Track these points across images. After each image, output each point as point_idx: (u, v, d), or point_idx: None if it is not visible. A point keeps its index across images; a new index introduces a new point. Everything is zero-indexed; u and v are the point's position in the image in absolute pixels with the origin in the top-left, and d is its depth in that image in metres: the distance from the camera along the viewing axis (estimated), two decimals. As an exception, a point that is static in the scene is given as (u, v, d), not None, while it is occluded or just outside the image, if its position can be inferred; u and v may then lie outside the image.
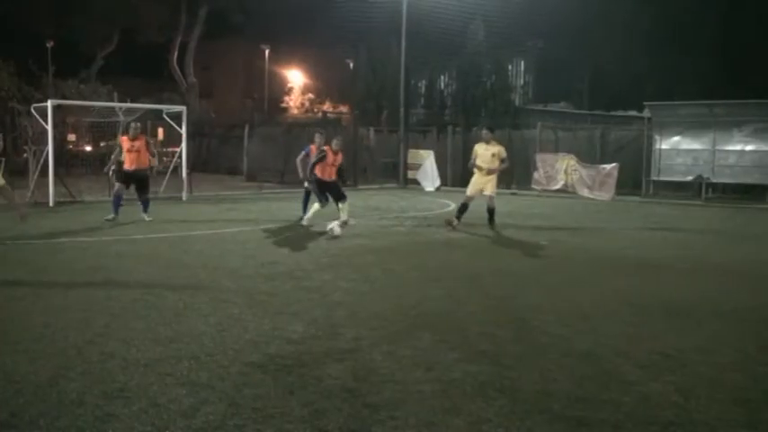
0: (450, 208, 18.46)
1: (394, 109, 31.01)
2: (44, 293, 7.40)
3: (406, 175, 27.72)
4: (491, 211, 13.70)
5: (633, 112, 27.72)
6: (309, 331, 5.98)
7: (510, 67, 38.74)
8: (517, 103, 36.76)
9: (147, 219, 13.89)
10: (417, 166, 27.00)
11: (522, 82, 40.91)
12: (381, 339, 5.82)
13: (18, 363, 5.06)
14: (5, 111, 29.72)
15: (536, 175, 23.96)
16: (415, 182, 26.81)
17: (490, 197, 13.64)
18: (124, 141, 14.23)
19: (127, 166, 14.05)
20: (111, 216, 13.55)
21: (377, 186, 26.64)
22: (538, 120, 27.00)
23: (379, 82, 36.33)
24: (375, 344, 5.67)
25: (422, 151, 27.34)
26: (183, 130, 20.60)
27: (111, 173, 16.98)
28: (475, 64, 34.89)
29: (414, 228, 13.85)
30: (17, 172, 21.72)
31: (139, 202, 14.33)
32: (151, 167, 14.56)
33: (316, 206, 13.10)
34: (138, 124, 14.92)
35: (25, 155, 24.07)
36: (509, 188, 23.93)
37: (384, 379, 4.87)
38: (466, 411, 4.35)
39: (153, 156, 14.70)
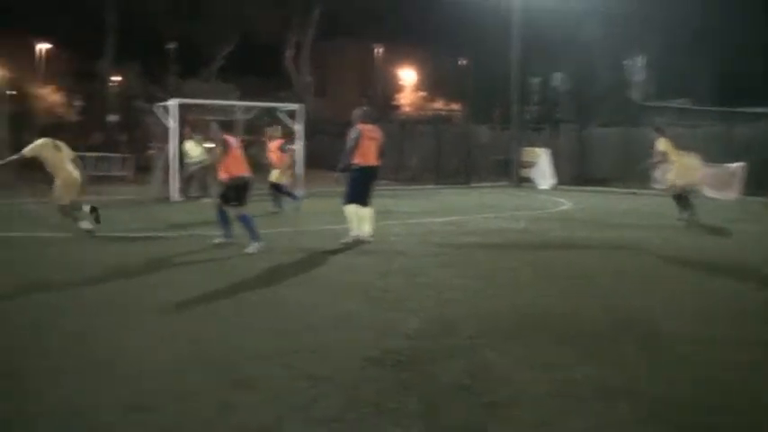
0: (566, 207, 18.10)
1: (506, 106, 30.66)
2: (166, 283, 7.70)
3: (519, 172, 27.36)
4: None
5: (761, 109, 26.34)
6: (424, 328, 5.98)
7: (628, 62, 37.59)
8: (635, 99, 35.64)
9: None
10: (531, 164, 26.61)
11: (640, 78, 39.60)
12: (496, 337, 5.75)
13: (146, 350, 5.28)
14: (132, 110, 31.20)
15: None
16: (529, 180, 26.44)
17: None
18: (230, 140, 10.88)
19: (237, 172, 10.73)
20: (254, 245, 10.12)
21: (489, 184, 26.44)
22: (657, 117, 26.07)
23: (492, 79, 35.99)
24: (490, 342, 5.61)
25: (536, 149, 26.92)
26: (299, 128, 21.03)
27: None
28: (591, 59, 34.04)
29: (528, 226, 13.65)
30: (142, 168, 22.74)
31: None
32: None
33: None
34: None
35: (150, 151, 25.22)
36: (628, 187, 23.24)
37: (499, 378, 4.81)
38: (584, 414, 4.24)
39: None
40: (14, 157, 11.72)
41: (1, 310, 6.54)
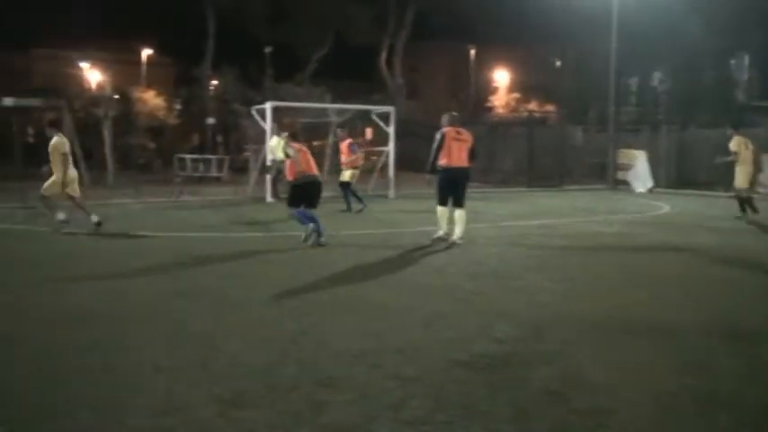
0: (663, 211, 17.58)
1: (603, 107, 29.98)
2: (262, 283, 7.86)
3: (615, 175, 26.71)
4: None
5: None
6: (515, 332, 5.91)
7: (732, 61, 36.17)
8: (739, 99, 34.26)
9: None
10: (628, 167, 25.93)
11: (744, 77, 38.05)
12: (589, 343, 5.63)
13: (240, 348, 5.40)
14: (229, 112, 32.00)
15: (761, 176, 22.21)
16: (625, 183, 25.79)
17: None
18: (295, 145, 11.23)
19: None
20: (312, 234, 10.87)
21: (583, 187, 25.92)
22: (764, 117, 25.02)
23: (587, 79, 35.28)
24: (582, 348, 5.50)
25: (633, 151, 26.21)
26: (391, 130, 21.12)
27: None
28: (692, 58, 32.90)
29: (623, 230, 13.31)
30: (238, 169, 23.28)
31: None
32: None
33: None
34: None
35: (246, 153, 25.83)
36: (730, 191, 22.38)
37: (592, 385, 4.71)
38: (682, 425, 4.10)
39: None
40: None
41: (103, 305, 6.81)
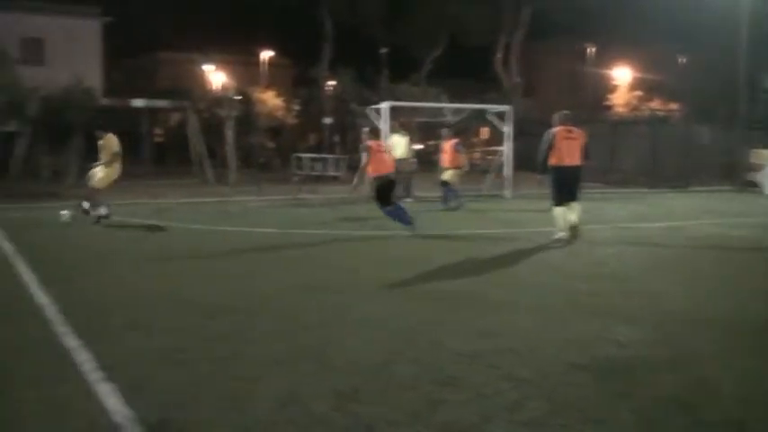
0: (797, 213, 16.64)
1: (731, 105, 28.63)
2: (380, 280, 7.93)
3: (744, 176, 25.46)
4: None
5: None
6: (637, 336, 5.72)
7: None
8: None
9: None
10: (759, 167, 24.67)
11: None
12: (720, 351, 5.38)
13: (357, 344, 5.46)
14: (346, 112, 32.49)
15: None
16: (755, 184, 24.55)
17: None
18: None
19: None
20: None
21: (710, 188, 24.84)
22: None
23: (715, 77, 33.79)
24: (712, 355, 5.26)
25: (765, 151, 24.92)
26: (507, 130, 20.90)
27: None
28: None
29: (752, 233, 12.66)
30: (355, 168, 23.56)
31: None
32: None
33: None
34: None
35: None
36: None
37: (723, 395, 4.49)
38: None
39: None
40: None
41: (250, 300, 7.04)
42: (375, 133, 16.76)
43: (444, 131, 17.24)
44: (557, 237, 10.93)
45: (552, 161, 10.87)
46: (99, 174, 13.21)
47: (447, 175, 16.43)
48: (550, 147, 10.83)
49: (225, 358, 5.07)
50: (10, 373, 4.75)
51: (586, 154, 11.06)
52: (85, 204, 13.03)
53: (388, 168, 11.70)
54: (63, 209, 13.15)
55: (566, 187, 10.91)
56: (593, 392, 4.49)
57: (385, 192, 11.54)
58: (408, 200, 18.10)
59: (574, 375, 4.78)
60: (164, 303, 6.75)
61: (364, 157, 11.67)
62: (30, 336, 5.66)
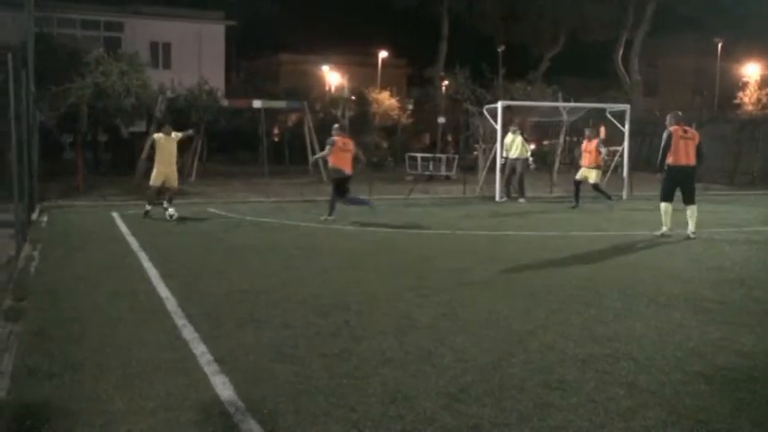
0: None
1: None
2: (491, 281, 7.87)
3: None
4: None
5: None
6: (762, 346, 5.43)
7: None
8: None
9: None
10: None
11: None
12: None
13: (466, 344, 5.44)
14: (462, 112, 32.35)
15: None
16: None
17: None
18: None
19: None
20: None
21: None
22: None
23: None
24: (843, 369, 4.94)
25: None
26: (626, 129, 20.30)
27: None
28: None
29: None
30: (467, 168, 23.48)
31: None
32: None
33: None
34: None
35: (475, 152, 26.00)
36: None
37: None
38: None
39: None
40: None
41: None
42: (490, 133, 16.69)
43: (588, 131, 16.98)
44: (661, 232, 11.38)
45: (669, 160, 11.18)
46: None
47: (593, 176, 16.37)
48: (668, 146, 11.13)
49: (335, 355, 5.15)
50: (133, 363, 4.99)
51: (700, 154, 11.30)
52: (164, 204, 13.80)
53: (346, 166, 13.28)
54: (188, 206, 13.69)
55: (679, 186, 11.30)
56: (713, 403, 4.30)
57: (341, 185, 13.26)
58: (521, 200, 17.88)
59: (693, 384, 4.60)
60: (277, 300, 6.92)
61: (327, 149, 13.22)
62: (151, 327, 5.93)
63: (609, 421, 4.01)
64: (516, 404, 4.24)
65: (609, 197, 16.49)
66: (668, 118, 11.55)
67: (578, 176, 16.62)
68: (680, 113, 11.69)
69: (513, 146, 18.26)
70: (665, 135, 11.23)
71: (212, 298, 6.96)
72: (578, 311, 6.49)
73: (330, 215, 13.18)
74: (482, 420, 3.99)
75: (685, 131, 11.26)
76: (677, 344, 5.48)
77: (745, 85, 41.44)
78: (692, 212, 11.31)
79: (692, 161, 11.20)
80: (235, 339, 5.53)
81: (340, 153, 13.21)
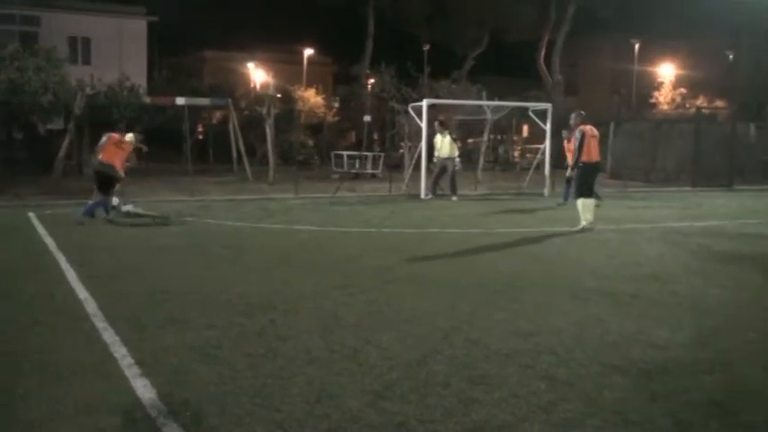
0: None
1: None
2: (417, 278, 7.93)
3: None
4: None
5: None
6: (676, 338, 5.64)
7: None
8: None
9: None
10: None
11: None
12: (758, 353, 5.29)
13: (392, 341, 5.48)
14: (387, 110, 32.46)
15: None
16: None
17: None
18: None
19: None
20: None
21: (756, 188, 24.34)
22: None
23: (764, 73, 33.08)
24: (751, 358, 5.17)
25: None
26: (548, 128, 20.72)
27: None
28: None
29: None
30: (394, 166, 23.59)
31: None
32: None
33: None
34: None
35: (401, 150, 26.14)
36: None
37: (761, 397, 4.42)
38: None
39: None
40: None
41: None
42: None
43: (564, 133, 17.31)
44: (581, 226, 11.91)
45: (584, 158, 11.89)
46: None
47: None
48: (582, 144, 11.85)
49: (260, 355, 5.12)
50: (50, 367, 4.85)
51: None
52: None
53: (117, 163, 12.63)
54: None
55: (591, 181, 12.10)
56: (629, 394, 4.44)
57: (107, 181, 12.61)
58: (454, 198, 18.03)
59: (610, 376, 4.74)
60: (201, 300, 6.83)
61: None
62: (69, 330, 5.77)
63: (531, 414, 4.10)
64: (441, 400, 4.29)
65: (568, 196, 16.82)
66: (573, 117, 12.33)
67: (569, 174, 16.84)
68: (583, 113, 12.50)
69: (443, 146, 18.42)
70: (578, 134, 11.95)
71: (133, 299, 6.82)
72: (502, 307, 6.60)
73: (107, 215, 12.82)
74: (407, 417, 4.03)
75: (592, 129, 12.09)
76: (596, 337, 5.64)
77: (661, 85, 42.85)
78: (593, 203, 12.19)
79: (600, 157, 12.26)
80: (157, 341, 5.43)
81: (113, 149, 12.70)
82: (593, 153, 11.96)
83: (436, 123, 19.01)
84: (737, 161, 25.93)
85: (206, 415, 4.04)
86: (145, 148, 14.24)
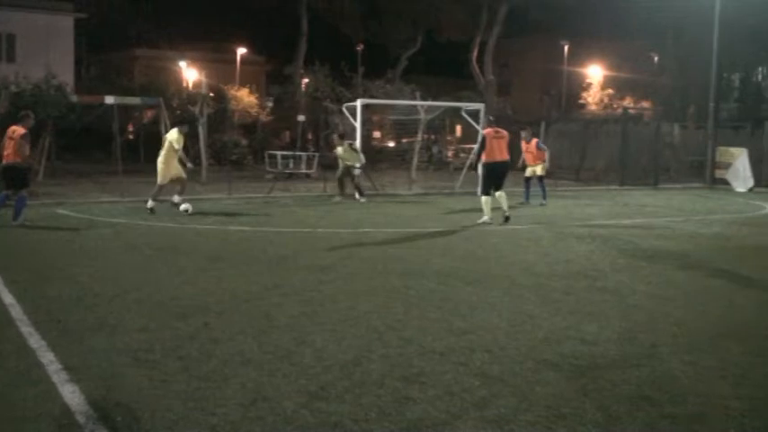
0: (765, 211, 16.88)
1: (702, 104, 28.93)
2: (351, 278, 7.94)
3: (713, 174, 25.77)
4: None
5: None
6: (604, 333, 5.78)
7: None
8: None
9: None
10: (727, 165, 25.00)
11: None
12: (683, 347, 5.46)
13: (326, 341, 5.47)
14: (320, 110, 32.39)
15: None
16: (724, 182, 24.86)
17: None
18: None
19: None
20: None
21: (680, 186, 25.12)
22: None
23: (687, 75, 34.12)
24: (675, 351, 5.34)
25: (733, 149, 25.23)
26: (480, 128, 20.97)
27: None
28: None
29: (722, 231, 12.83)
30: (328, 166, 23.51)
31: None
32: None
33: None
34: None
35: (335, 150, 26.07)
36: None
37: (685, 390, 4.56)
38: (781, 434, 3.93)
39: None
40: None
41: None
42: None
43: (524, 133, 17.80)
44: (482, 221, 12.62)
45: (485, 158, 12.74)
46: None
47: (539, 170, 17.35)
48: (482, 147, 12.78)
49: (193, 358, 5.05)
50: (-26, 374, 4.70)
51: (510, 150, 13.03)
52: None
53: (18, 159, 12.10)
54: (36, 208, 12.98)
55: (496, 180, 12.77)
56: (561, 389, 4.53)
57: (20, 177, 12.18)
58: (362, 200, 17.83)
59: (542, 372, 4.83)
60: (132, 303, 6.70)
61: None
62: (-4, 335, 5.60)
63: (465, 411, 4.15)
64: (376, 400, 4.31)
65: (545, 197, 17.33)
66: (483, 121, 13.48)
67: (527, 174, 17.54)
68: (491, 117, 13.94)
69: (348, 156, 18.28)
70: (479, 137, 13.04)
71: (62, 303, 6.64)
72: (437, 305, 6.66)
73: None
74: (342, 418, 4.03)
75: (497, 132, 12.87)
76: (528, 334, 5.74)
77: (589, 85, 43.83)
78: (502, 196, 12.82)
79: (506, 156, 12.88)
80: (86, 345, 5.31)
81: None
82: (495, 154, 12.66)
83: (335, 136, 19.16)
84: (663, 161, 26.68)
85: (137, 420, 3.97)
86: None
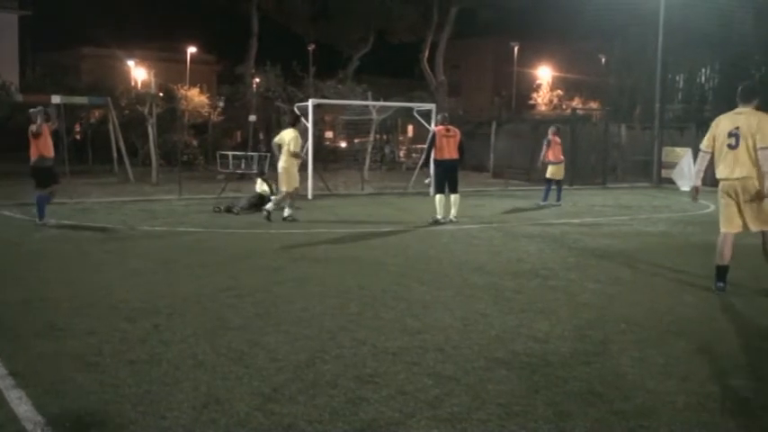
0: (710, 209, 17.28)
1: (648, 105, 29.49)
2: (304, 279, 7.92)
3: (660, 173, 26.31)
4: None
5: None
6: (555, 331, 5.87)
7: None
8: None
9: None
10: (673, 165, 25.54)
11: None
12: (631, 344, 5.56)
13: (279, 343, 5.45)
14: (272, 110, 32.19)
15: None
16: (670, 181, 25.39)
17: None
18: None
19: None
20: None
21: (627, 185, 25.58)
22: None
23: (634, 77, 34.74)
24: (624, 348, 5.44)
25: (678, 149, 25.78)
26: (432, 128, 21.07)
27: None
28: (742, 55, 32.16)
29: (668, 229, 13.11)
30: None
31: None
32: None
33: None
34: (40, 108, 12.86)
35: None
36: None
37: (633, 386, 4.65)
38: (724, 428, 4.03)
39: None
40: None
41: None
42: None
43: (552, 129, 17.80)
44: (433, 219, 12.83)
45: (436, 156, 12.89)
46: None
47: (559, 173, 17.35)
48: (432, 144, 12.87)
49: (143, 361, 4.99)
50: None
51: (462, 149, 13.03)
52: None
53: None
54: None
55: (446, 178, 12.90)
56: (513, 387, 4.59)
57: (46, 176, 12.43)
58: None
59: (495, 370, 4.89)
60: (80, 306, 6.58)
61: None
62: (-62, 341, 5.45)
63: (418, 410, 4.17)
64: (330, 400, 4.31)
65: (552, 197, 17.35)
66: (436, 119, 13.28)
67: (548, 175, 17.47)
68: (446, 115, 13.75)
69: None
70: (429, 135, 13.09)
71: (6, 307, 6.50)
72: (389, 306, 6.68)
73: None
74: (296, 419, 4.02)
75: (448, 130, 12.92)
76: (480, 332, 5.80)
77: (539, 86, 44.36)
78: (455, 200, 13.08)
79: (455, 155, 12.90)
80: (33, 350, 5.20)
81: None
82: (444, 152, 12.81)
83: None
84: (610, 160, 27.13)
85: (86, 426, 3.90)
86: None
